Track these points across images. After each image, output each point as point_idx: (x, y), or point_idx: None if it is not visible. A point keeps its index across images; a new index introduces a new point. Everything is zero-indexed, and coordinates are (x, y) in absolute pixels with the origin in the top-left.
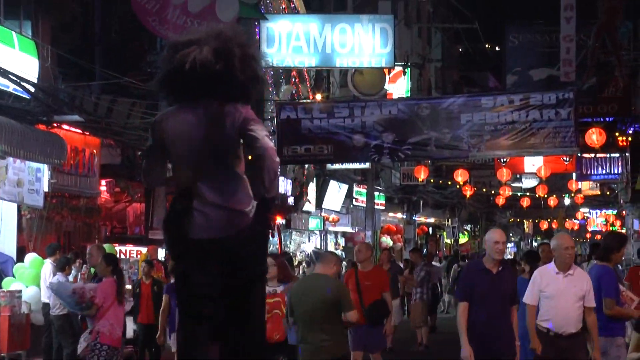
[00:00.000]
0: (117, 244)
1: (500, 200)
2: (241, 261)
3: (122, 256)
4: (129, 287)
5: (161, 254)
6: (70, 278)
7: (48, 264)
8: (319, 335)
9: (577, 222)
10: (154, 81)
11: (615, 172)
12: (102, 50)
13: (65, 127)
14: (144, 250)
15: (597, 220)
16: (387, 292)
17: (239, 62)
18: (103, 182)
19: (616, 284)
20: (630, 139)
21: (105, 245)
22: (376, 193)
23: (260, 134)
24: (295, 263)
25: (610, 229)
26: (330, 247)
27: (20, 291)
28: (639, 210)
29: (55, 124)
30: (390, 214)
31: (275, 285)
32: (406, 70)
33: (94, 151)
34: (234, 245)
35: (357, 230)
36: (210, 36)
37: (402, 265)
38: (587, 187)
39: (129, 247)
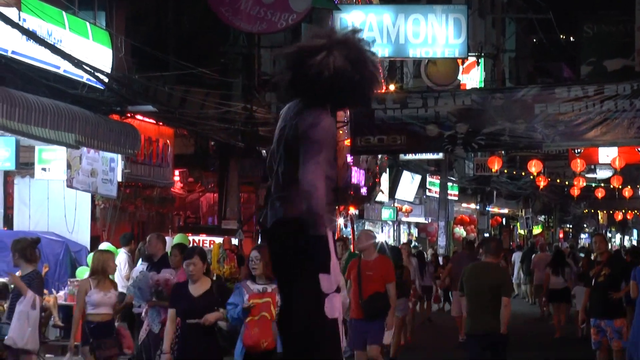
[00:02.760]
0: (190, 234)
1: (575, 191)
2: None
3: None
4: None
5: (234, 242)
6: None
7: (122, 253)
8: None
9: None
10: (280, 82)
11: None
12: (175, 41)
13: (139, 117)
14: (217, 240)
15: None
16: (391, 283)
17: (364, 68)
18: (176, 172)
19: None
20: None
21: (179, 235)
22: (449, 184)
23: (307, 163)
24: None
25: None
26: (403, 238)
27: None
28: None
29: (129, 114)
30: (464, 205)
31: (264, 283)
32: (480, 60)
33: (168, 141)
34: (277, 241)
35: (430, 220)
36: (337, 42)
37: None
38: None
39: (202, 237)
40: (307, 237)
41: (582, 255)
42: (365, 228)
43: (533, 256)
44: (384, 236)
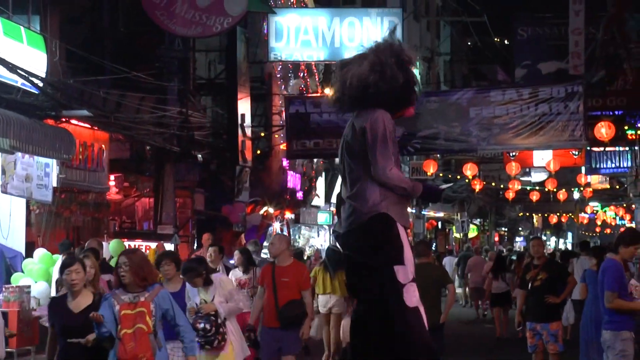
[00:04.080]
0: (126, 239)
1: (510, 194)
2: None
3: None
4: None
5: (169, 249)
6: None
7: (61, 260)
8: None
9: (586, 216)
10: (332, 101)
11: (625, 165)
12: (110, 45)
13: (73, 121)
14: (153, 245)
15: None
16: (306, 290)
17: (391, 70)
18: (112, 176)
19: (621, 277)
20: (639, 132)
21: (114, 241)
22: None
23: (376, 157)
24: (305, 258)
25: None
26: None
27: (29, 286)
28: None
29: (63, 119)
30: None
31: (136, 292)
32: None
33: (103, 146)
34: (350, 239)
35: None
36: (370, 50)
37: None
38: (596, 181)
39: (137, 242)
40: (380, 232)
41: (513, 258)
42: (302, 231)
43: (469, 260)
44: (320, 240)
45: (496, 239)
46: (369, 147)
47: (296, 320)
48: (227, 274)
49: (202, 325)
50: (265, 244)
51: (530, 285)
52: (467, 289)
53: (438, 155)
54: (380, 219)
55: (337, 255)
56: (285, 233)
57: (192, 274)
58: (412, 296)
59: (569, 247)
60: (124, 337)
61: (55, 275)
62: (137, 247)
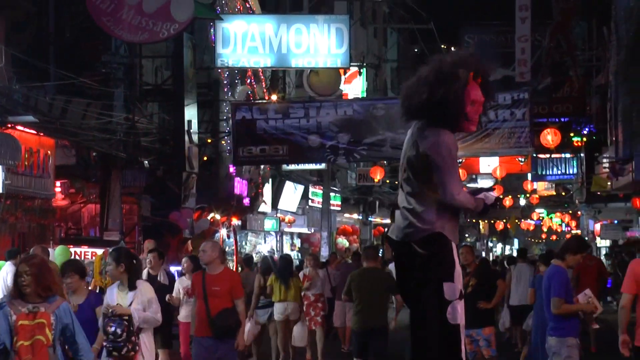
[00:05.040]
0: (72, 246)
1: None
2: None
3: (77, 257)
4: None
5: None
6: None
7: (8, 266)
8: None
9: (532, 222)
10: (408, 105)
11: (571, 172)
12: (56, 50)
13: (19, 127)
14: (99, 251)
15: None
16: (239, 299)
17: (433, 86)
18: (58, 183)
19: (567, 284)
20: (584, 139)
21: (60, 247)
22: (332, 194)
23: (443, 181)
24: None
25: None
26: (286, 249)
27: None
28: (594, 211)
29: (9, 125)
30: (346, 215)
31: (36, 302)
32: (362, 70)
33: (49, 152)
34: (404, 250)
35: (313, 231)
36: (443, 61)
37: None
38: (542, 188)
39: (83, 249)
40: (435, 250)
41: None
42: (249, 238)
43: None
44: (266, 247)
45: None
46: (435, 170)
47: (229, 329)
48: (169, 281)
49: (112, 329)
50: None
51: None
52: None
53: (385, 162)
54: (436, 237)
55: (288, 263)
56: (232, 240)
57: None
58: (456, 313)
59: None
60: (20, 349)
61: (4, 280)
62: (83, 253)
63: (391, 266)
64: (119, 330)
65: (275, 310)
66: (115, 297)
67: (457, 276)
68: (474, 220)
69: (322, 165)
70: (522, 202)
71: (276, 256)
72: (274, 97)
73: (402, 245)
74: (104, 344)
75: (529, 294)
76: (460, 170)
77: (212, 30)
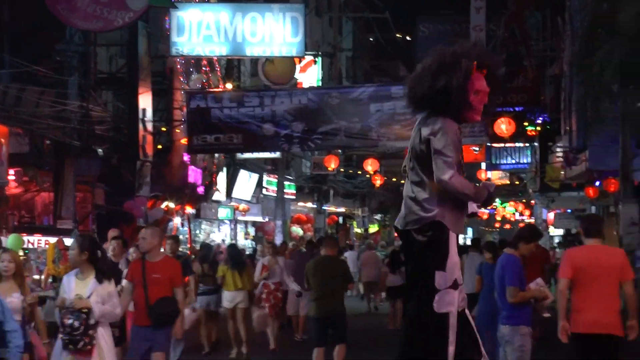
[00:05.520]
0: (25, 234)
1: None
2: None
3: (30, 246)
4: (36, 277)
5: (68, 243)
6: None
7: None
8: None
9: (486, 211)
10: (413, 95)
11: (524, 161)
12: (10, 38)
13: None
14: (52, 240)
15: (508, 209)
16: (178, 287)
17: (435, 76)
18: (11, 171)
19: (520, 272)
20: (538, 128)
21: (12, 235)
22: (286, 182)
23: (438, 163)
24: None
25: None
26: (240, 237)
27: None
28: (548, 200)
29: None
30: (301, 204)
31: None
32: (317, 59)
33: (2, 140)
34: (405, 239)
35: (267, 219)
36: (448, 51)
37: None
38: (496, 177)
39: (37, 237)
40: (431, 239)
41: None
42: (203, 226)
43: (362, 255)
44: (221, 235)
45: (396, 234)
46: (433, 156)
47: (168, 318)
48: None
49: (69, 322)
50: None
51: None
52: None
53: (339, 151)
54: (435, 226)
55: (238, 252)
56: (186, 228)
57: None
58: (443, 301)
59: (468, 242)
60: None
61: None
62: (36, 241)
63: (347, 254)
64: (76, 324)
65: (225, 299)
66: (73, 286)
67: (451, 266)
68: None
69: (277, 154)
70: None
71: (224, 245)
72: (228, 86)
73: (404, 233)
74: (60, 336)
75: (475, 281)
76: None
77: (167, 18)
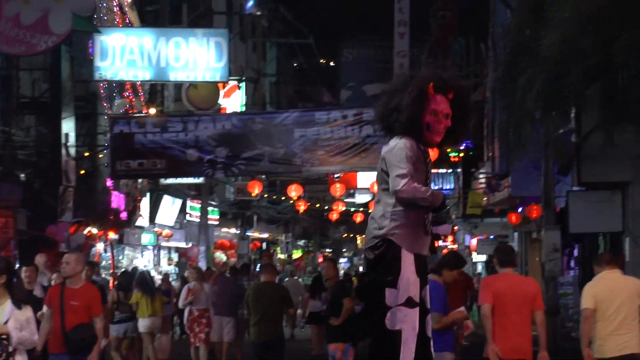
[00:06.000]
0: None
1: (334, 216)
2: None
3: None
4: None
5: None
6: None
7: None
8: None
9: None
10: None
11: (447, 187)
12: None
13: None
14: None
15: None
16: (97, 315)
17: (390, 95)
18: None
19: (445, 299)
20: (462, 154)
21: None
22: (210, 208)
23: (392, 176)
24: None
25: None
26: (164, 263)
27: None
28: (470, 226)
29: None
30: (224, 229)
31: None
32: (241, 84)
33: None
34: (367, 254)
35: (190, 245)
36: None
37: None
38: None
39: None
40: (378, 256)
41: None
42: (126, 252)
43: (285, 281)
44: (144, 261)
45: (320, 260)
46: (387, 171)
47: (85, 345)
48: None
49: None
50: None
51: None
52: None
53: (263, 176)
54: (386, 244)
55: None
56: (109, 254)
57: None
58: (395, 319)
59: None
60: None
61: None
62: None
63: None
64: None
65: (141, 325)
66: None
67: (404, 283)
68: (351, 235)
69: (200, 180)
70: None
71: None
72: (152, 111)
73: (364, 252)
74: None
75: None
76: (339, 185)
77: (90, 43)
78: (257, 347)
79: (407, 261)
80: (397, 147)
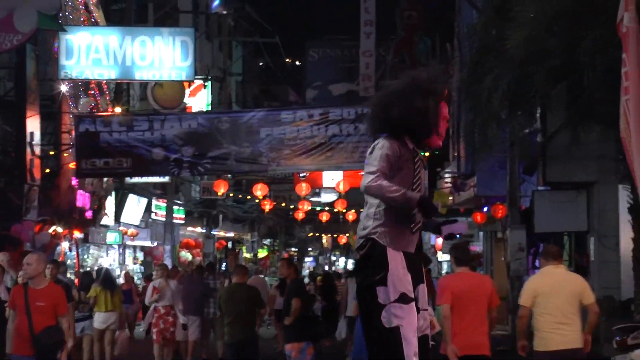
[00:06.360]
0: None
1: (300, 215)
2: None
3: None
4: None
5: None
6: None
7: None
8: None
9: None
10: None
11: None
12: None
13: None
14: None
15: None
16: (63, 315)
17: (404, 100)
18: None
19: None
20: (427, 154)
21: None
22: (175, 207)
23: (364, 175)
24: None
25: None
26: (129, 262)
27: None
28: None
29: None
30: (190, 228)
31: None
32: (207, 83)
33: None
34: (355, 255)
35: (156, 244)
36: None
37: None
38: None
39: None
40: (367, 256)
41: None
42: (91, 251)
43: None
44: (109, 260)
45: None
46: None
47: (54, 347)
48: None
49: None
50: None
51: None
52: None
53: (229, 175)
54: (369, 243)
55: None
56: (74, 253)
57: None
58: (391, 316)
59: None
60: None
61: None
62: None
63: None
64: None
65: (97, 320)
66: None
67: (394, 280)
68: (317, 234)
69: (166, 178)
70: None
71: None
72: (117, 110)
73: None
74: None
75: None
76: (304, 184)
77: (56, 41)
78: (231, 348)
79: (395, 258)
80: (375, 147)
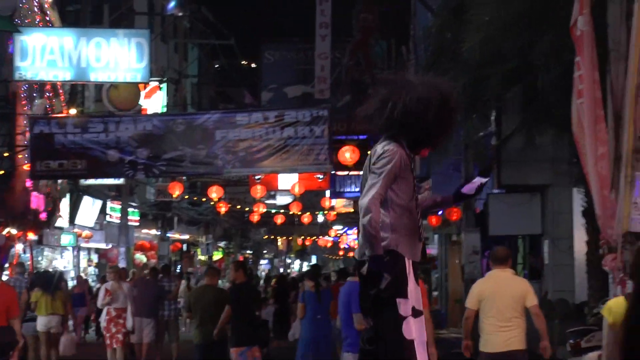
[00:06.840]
0: None
1: (255, 217)
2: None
3: None
4: None
5: None
6: None
7: None
8: None
9: (330, 239)
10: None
11: None
12: None
13: None
14: None
15: (350, 237)
16: (15, 318)
17: (435, 109)
18: None
19: None
20: None
21: None
22: (130, 209)
23: (368, 183)
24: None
25: None
26: (83, 264)
27: None
28: None
29: None
30: (145, 230)
31: None
32: (162, 85)
33: None
34: (363, 269)
35: (110, 246)
36: (424, 82)
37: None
38: (340, 205)
39: None
40: (388, 267)
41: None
42: (46, 253)
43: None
44: (64, 262)
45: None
46: (371, 170)
47: (5, 349)
48: None
49: None
50: (6, 265)
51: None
52: None
53: (184, 178)
54: (389, 255)
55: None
56: (28, 255)
57: None
58: (411, 329)
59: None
60: None
61: None
62: None
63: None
64: None
65: (39, 323)
66: None
67: (410, 293)
68: (272, 237)
69: (121, 180)
70: (320, 218)
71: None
72: (72, 111)
73: (361, 264)
74: None
75: (299, 308)
76: (260, 187)
77: (10, 42)
78: (200, 349)
79: (410, 270)
80: (385, 154)
